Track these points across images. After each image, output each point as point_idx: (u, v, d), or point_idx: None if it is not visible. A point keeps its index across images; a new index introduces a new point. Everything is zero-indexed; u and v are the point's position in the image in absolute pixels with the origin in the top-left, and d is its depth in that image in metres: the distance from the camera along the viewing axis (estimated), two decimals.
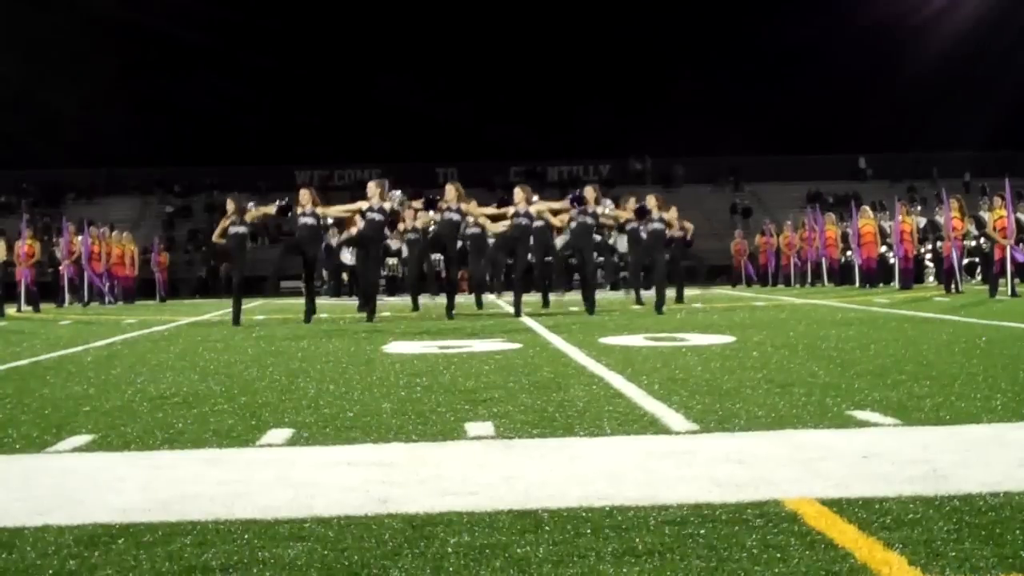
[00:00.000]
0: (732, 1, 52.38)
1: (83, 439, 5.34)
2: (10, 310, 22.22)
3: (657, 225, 16.25)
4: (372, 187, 15.68)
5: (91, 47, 47.00)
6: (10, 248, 23.41)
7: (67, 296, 26.91)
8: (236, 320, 15.31)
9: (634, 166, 51.73)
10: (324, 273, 32.09)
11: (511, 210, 16.13)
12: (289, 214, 15.61)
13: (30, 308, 23.30)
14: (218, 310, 21.28)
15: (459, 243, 16.73)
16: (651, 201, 16.57)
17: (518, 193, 16.00)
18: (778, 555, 3.07)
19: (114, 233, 30.16)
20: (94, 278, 27.33)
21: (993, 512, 3.48)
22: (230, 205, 15.58)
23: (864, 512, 3.52)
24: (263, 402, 6.55)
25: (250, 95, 51.31)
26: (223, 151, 50.61)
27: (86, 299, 27.04)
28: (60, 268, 27.15)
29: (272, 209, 15.83)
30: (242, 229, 15.38)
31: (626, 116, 52.76)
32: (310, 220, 15.31)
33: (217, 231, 15.97)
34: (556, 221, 16.64)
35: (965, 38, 47.51)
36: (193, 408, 6.33)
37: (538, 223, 15.84)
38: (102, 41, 47.46)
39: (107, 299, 27.55)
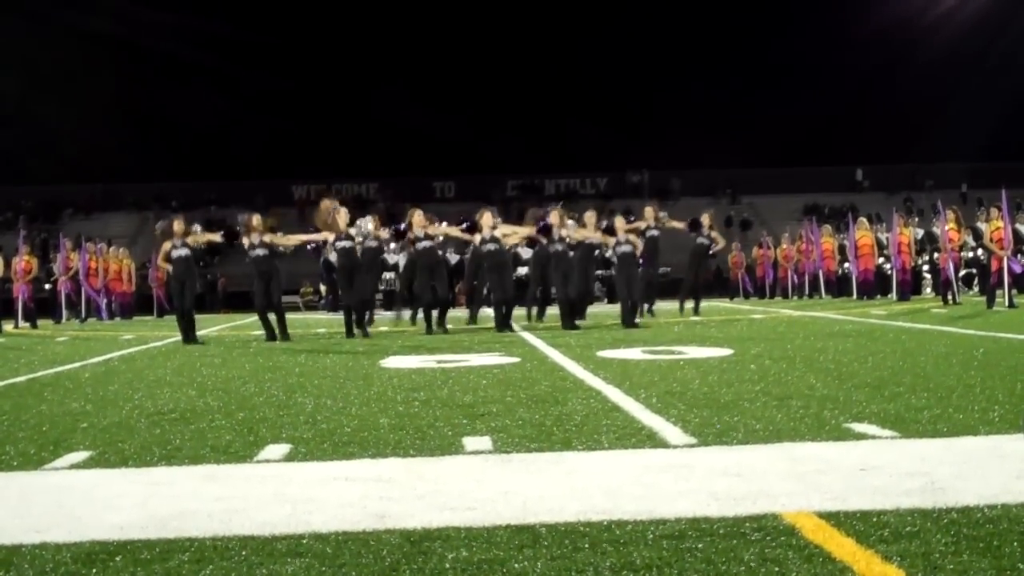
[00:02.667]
0: (729, 16, 52.56)
1: (81, 456, 5.34)
2: (7, 326, 22.20)
3: (625, 248, 16.15)
4: (344, 215, 15.49)
5: (88, 64, 47.12)
6: (7, 264, 23.40)
7: (64, 312, 26.90)
8: (186, 338, 14.87)
9: (631, 179, 51.82)
10: (322, 288, 32.13)
11: (477, 237, 16.05)
12: (236, 241, 15.29)
13: (27, 324, 23.30)
14: (214, 326, 21.30)
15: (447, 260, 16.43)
16: (618, 222, 16.50)
17: (487, 218, 15.86)
18: (776, 569, 3.07)
19: (111, 249, 30.16)
20: (91, 294, 27.31)
21: (991, 524, 3.48)
22: (178, 226, 15.03)
23: (862, 525, 3.52)
24: (261, 418, 6.54)
25: (247, 110, 51.39)
26: (221, 166, 50.68)
27: (83, 315, 27.02)
28: (57, 284, 27.14)
29: (217, 236, 15.52)
30: (184, 252, 14.83)
31: (623, 129, 52.88)
32: (261, 251, 14.97)
33: (161, 255, 15.33)
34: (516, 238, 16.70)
35: (961, 50, 47.70)
36: (191, 424, 6.32)
37: (625, 248, 15.91)
38: (99, 58, 47.59)
39: (104, 315, 27.52)
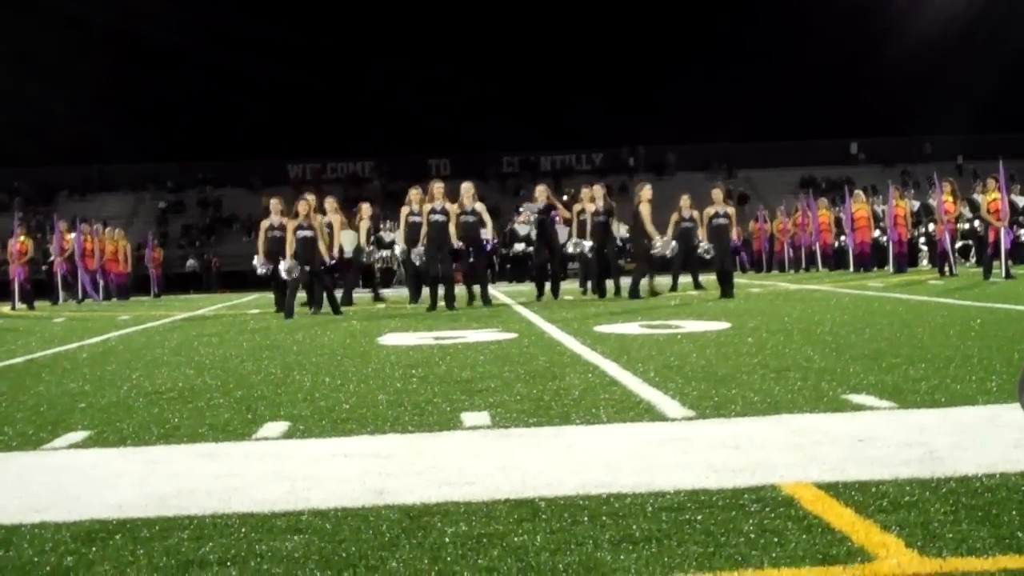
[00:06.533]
0: None
1: (79, 436, 5.33)
2: (4, 308, 22.19)
3: (722, 220, 16.82)
4: (439, 189, 15.78)
5: (80, 48, 46.95)
6: (3, 246, 23.37)
7: (61, 293, 26.87)
8: (287, 312, 15.16)
9: (627, 155, 51.72)
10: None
11: (577, 207, 16.96)
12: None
13: (24, 306, 23.28)
14: (211, 305, 21.28)
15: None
16: (717, 195, 17.31)
17: (541, 191, 16.58)
18: (775, 539, 3.07)
19: (107, 230, 30.09)
20: (84, 278, 27.26)
21: (989, 493, 3.48)
22: (275, 205, 15.43)
23: (860, 495, 3.52)
24: (259, 395, 6.54)
25: (242, 90, 51.22)
26: (215, 146, 50.53)
27: (80, 296, 27.00)
28: (54, 266, 27.11)
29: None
30: (279, 233, 15.15)
31: (618, 105, 52.75)
32: (308, 234, 15.03)
33: (261, 233, 15.65)
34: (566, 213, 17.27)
35: (955, 21, 47.53)
36: (189, 403, 6.32)
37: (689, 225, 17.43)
38: (91, 42, 47.41)
39: (100, 296, 27.50)
